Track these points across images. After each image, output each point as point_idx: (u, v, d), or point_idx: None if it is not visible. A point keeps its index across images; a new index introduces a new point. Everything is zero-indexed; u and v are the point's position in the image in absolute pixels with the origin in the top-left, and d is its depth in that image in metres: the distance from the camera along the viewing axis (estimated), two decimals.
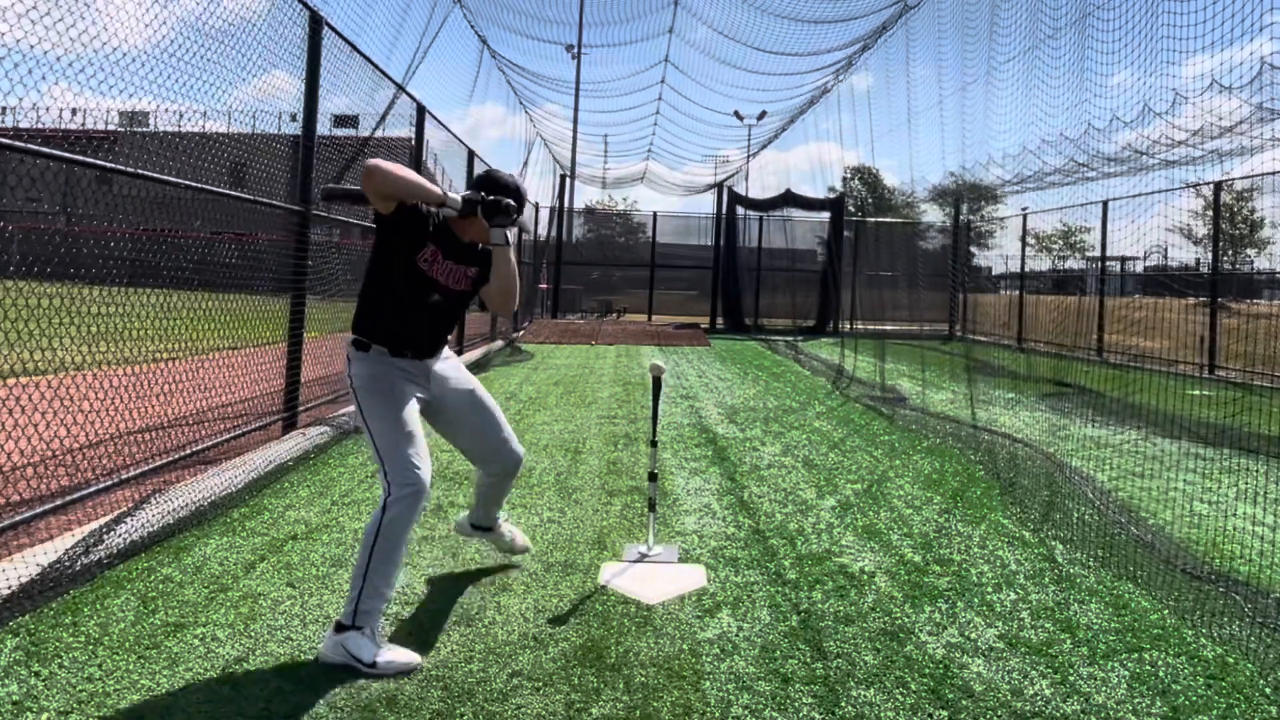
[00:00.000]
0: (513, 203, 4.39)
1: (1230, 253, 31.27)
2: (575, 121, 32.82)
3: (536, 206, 30.14)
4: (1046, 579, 5.26)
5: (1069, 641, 4.37)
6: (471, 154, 17.77)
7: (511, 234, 4.45)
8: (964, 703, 3.70)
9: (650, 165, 35.38)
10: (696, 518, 6.37)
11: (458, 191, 4.35)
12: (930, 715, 3.59)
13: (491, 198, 4.35)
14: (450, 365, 4.65)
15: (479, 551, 5.39)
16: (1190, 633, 4.50)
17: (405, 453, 4.13)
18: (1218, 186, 19.90)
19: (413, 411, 4.30)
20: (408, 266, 4.32)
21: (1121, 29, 11.49)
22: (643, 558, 5.41)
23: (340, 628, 3.90)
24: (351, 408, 4.60)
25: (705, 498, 6.93)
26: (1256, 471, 8.30)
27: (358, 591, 3.93)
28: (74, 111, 5.56)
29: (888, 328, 29.64)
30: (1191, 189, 21.50)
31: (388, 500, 4.04)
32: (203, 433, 6.95)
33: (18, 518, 4.85)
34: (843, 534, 6.08)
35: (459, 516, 5.37)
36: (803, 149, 33.70)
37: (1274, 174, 17.25)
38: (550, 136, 33.66)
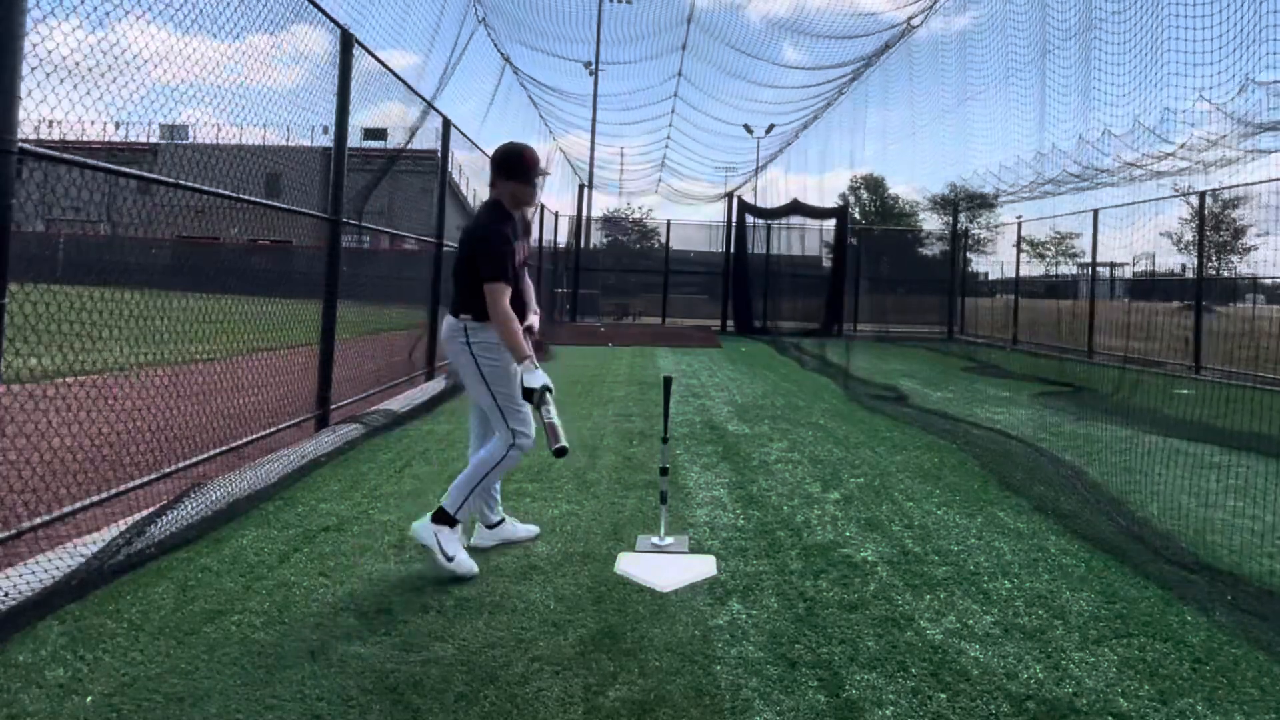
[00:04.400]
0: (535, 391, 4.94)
1: (1215, 258, 31.11)
2: (593, 134, 32.96)
3: (556, 215, 30.18)
4: (1040, 568, 5.27)
5: (1061, 627, 4.38)
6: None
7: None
8: (961, 686, 3.71)
9: (664, 175, 35.48)
10: (707, 510, 6.37)
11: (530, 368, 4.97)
12: (929, 698, 3.59)
13: (528, 389, 4.95)
14: None
15: (500, 544, 5.41)
16: (1176, 619, 4.50)
17: (525, 414, 5.09)
18: (1202, 196, 19.83)
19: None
20: (512, 262, 5.09)
21: (1120, 45, 11.49)
22: (656, 548, 5.41)
23: (441, 517, 4.81)
24: (437, 382, 5.00)
25: (716, 491, 6.93)
26: (1240, 466, 8.27)
27: (468, 492, 4.89)
28: (117, 125, 5.56)
29: (889, 330, 29.62)
30: (1180, 198, 21.45)
31: (515, 442, 5.02)
32: (240, 430, 6.97)
33: (65, 509, 4.86)
34: (846, 526, 6.08)
35: (473, 539, 5.40)
36: (812, 161, 33.65)
37: (1259, 184, 17.18)
38: (570, 149, 33.75)
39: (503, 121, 23.71)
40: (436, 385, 11.83)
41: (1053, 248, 42.21)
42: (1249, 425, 10.11)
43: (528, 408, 5.06)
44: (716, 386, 14.02)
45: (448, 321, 5.19)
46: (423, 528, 4.81)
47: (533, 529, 5.62)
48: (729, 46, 22.47)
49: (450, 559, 4.73)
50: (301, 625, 4.11)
